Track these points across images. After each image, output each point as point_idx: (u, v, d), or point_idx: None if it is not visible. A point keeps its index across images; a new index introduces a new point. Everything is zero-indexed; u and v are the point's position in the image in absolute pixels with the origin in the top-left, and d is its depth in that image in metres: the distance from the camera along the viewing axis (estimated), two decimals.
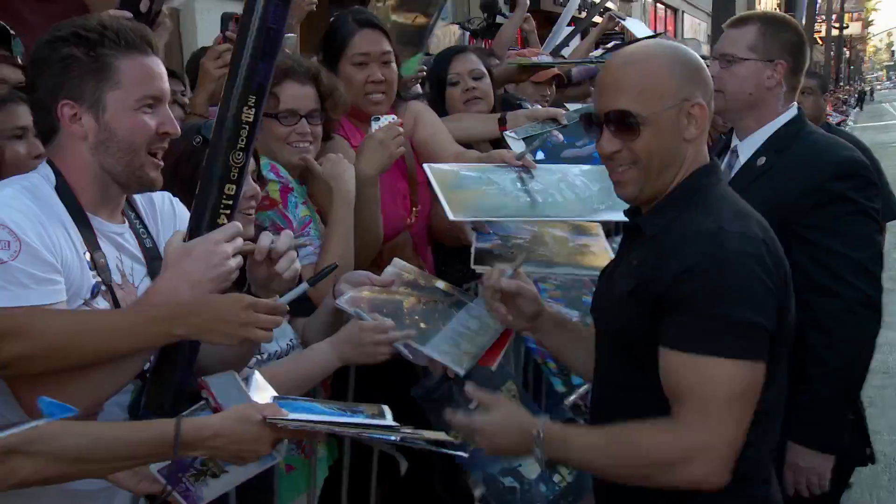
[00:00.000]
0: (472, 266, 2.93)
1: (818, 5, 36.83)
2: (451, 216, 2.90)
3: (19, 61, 2.78)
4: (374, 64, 3.32)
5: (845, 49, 60.30)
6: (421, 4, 4.32)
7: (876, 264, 2.83)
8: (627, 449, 1.91)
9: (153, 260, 2.14)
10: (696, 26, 30.70)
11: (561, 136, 3.65)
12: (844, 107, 35.99)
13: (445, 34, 6.94)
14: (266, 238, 2.09)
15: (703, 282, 1.84)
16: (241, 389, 1.90)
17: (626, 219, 2.21)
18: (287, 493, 2.73)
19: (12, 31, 2.79)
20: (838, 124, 13.40)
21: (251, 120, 1.98)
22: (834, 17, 47.57)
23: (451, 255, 3.51)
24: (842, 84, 52.85)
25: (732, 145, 3.09)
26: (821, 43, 44.88)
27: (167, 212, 2.27)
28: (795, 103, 3.03)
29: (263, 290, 2.11)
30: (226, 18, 3.38)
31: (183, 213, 2.27)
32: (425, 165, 3.12)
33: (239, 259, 2.00)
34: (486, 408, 2.06)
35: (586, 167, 3.27)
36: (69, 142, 2.04)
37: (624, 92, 1.97)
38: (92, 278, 2.00)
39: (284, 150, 2.99)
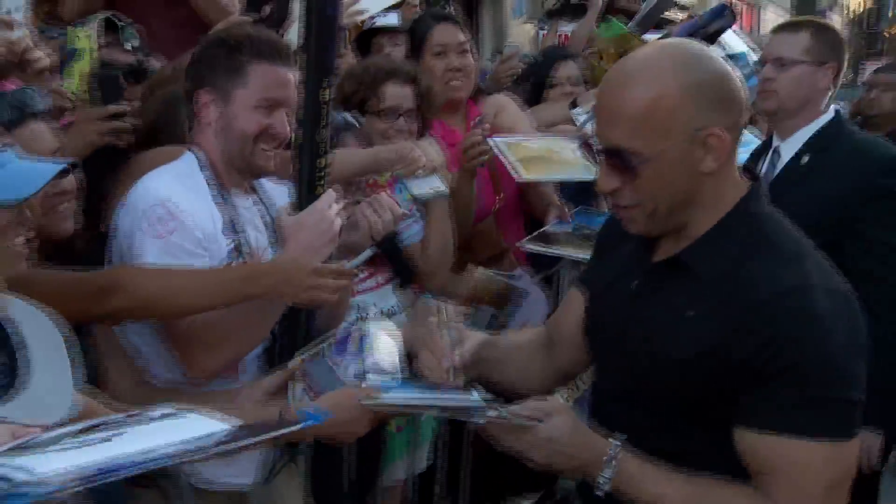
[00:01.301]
0: (519, 243, 3.34)
1: None
2: (523, 176, 3.24)
3: (128, 48, 3.02)
4: (452, 53, 3.61)
5: None
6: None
7: None
8: None
9: (276, 231, 2.39)
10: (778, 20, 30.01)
11: None
12: None
13: (520, 32, 7.08)
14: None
15: (799, 355, 1.58)
16: (333, 375, 2.07)
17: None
18: (397, 451, 3.01)
19: (120, 22, 3.03)
20: None
21: (327, 99, 2.26)
22: None
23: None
24: None
25: (774, 145, 3.23)
26: None
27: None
28: (834, 105, 3.19)
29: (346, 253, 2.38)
30: None
31: None
32: (489, 139, 3.30)
33: (340, 220, 2.27)
34: (547, 416, 1.69)
35: None
36: (202, 127, 2.33)
37: (619, 124, 1.63)
38: (226, 245, 2.27)
39: (384, 145, 3.17)
